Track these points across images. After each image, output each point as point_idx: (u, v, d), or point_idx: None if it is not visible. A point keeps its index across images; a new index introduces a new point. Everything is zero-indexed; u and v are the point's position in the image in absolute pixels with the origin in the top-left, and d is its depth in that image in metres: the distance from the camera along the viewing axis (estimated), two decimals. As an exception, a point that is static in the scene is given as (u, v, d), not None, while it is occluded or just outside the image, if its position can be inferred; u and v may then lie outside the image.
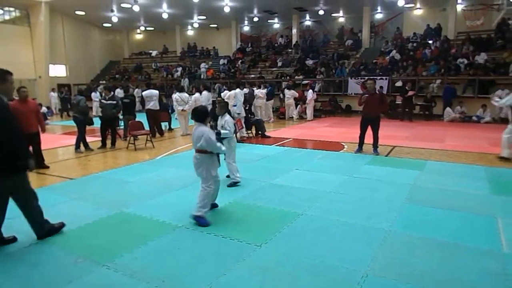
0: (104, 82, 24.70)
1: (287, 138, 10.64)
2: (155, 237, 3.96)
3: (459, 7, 19.07)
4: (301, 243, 3.79)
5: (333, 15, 23.48)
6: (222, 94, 13.12)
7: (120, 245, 3.77)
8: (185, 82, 21.86)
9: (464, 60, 16.04)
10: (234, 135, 5.88)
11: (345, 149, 8.93)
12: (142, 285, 3.05)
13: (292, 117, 15.86)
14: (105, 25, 26.93)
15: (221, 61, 24.47)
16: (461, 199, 5.09)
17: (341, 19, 24.35)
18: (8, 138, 3.50)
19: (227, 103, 6.10)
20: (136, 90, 19.22)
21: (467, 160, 7.52)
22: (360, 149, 8.32)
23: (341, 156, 8.15)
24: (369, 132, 8.18)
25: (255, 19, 23.42)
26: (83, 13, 23.68)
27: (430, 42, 18.94)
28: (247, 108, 12.70)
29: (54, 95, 20.88)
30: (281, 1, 19.85)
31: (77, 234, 4.08)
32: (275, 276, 3.17)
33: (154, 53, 28.64)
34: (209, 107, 10.84)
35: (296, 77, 19.65)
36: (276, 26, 26.73)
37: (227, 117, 5.67)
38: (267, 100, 15.07)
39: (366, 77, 16.99)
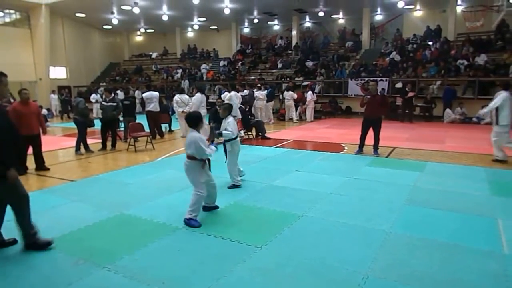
0: (104, 84, 24.75)
1: (287, 140, 10.64)
2: (155, 239, 3.96)
3: (459, 9, 19.08)
4: (302, 244, 3.79)
5: (333, 16, 23.50)
6: (222, 96, 13.14)
7: (120, 247, 3.77)
8: (185, 84, 21.89)
9: (464, 62, 16.05)
10: (238, 138, 5.86)
11: (345, 150, 8.93)
12: (142, 287, 3.05)
13: (292, 119, 15.86)
14: (105, 27, 26.97)
15: (221, 63, 24.50)
16: (461, 200, 5.09)
17: (341, 21, 24.38)
18: None
19: (230, 105, 6.10)
20: (137, 92, 19.28)
21: (467, 161, 7.51)
22: (360, 150, 8.32)
23: (342, 158, 8.15)
24: (370, 133, 8.18)
25: (255, 20, 23.45)
26: (83, 15, 23.72)
27: (430, 43, 18.95)
28: (247, 109, 12.73)
29: (55, 97, 20.91)
30: (281, 3, 19.87)
31: (77, 236, 4.08)
32: (275, 277, 3.17)
33: (154, 55, 28.69)
34: (203, 109, 10.85)
35: (296, 79, 19.67)
36: (276, 27, 26.76)
37: (230, 119, 5.69)
38: (267, 101, 15.09)
39: (366, 79, 17.03)
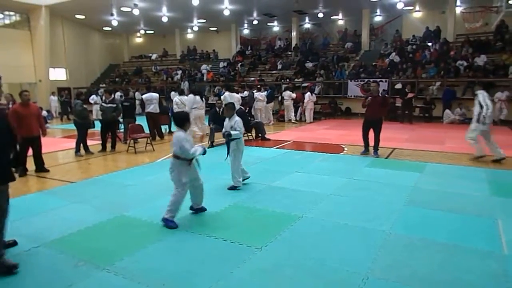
0: (104, 85, 24.76)
1: (287, 141, 10.64)
2: (155, 240, 3.97)
3: (458, 10, 19.12)
4: (302, 245, 3.79)
5: (332, 17, 23.56)
6: (222, 97, 13.15)
7: (120, 248, 3.77)
8: (185, 85, 21.89)
9: (464, 62, 16.07)
10: (242, 137, 5.87)
11: (345, 151, 8.93)
12: (142, 288, 3.05)
13: (290, 120, 15.88)
14: (105, 28, 26.99)
15: (221, 64, 24.53)
16: (461, 200, 5.09)
17: (341, 22, 24.43)
18: None
19: (234, 105, 6.11)
20: (137, 93, 19.28)
21: (467, 162, 7.52)
22: (366, 150, 8.32)
23: (341, 159, 8.15)
24: (370, 134, 8.20)
25: (255, 22, 23.48)
26: (83, 17, 23.74)
27: (430, 44, 18.98)
28: (247, 111, 12.74)
29: (54, 98, 20.90)
30: (281, 4, 19.90)
31: (77, 237, 4.08)
32: (275, 279, 3.17)
33: (154, 56, 28.70)
34: (196, 110, 10.85)
35: (296, 80, 19.69)
36: (276, 29, 26.81)
37: (236, 118, 5.69)
38: (267, 102, 15.10)
39: (366, 80, 17.06)
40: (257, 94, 14.51)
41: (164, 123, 12.39)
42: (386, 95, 9.17)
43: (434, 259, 3.46)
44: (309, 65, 20.81)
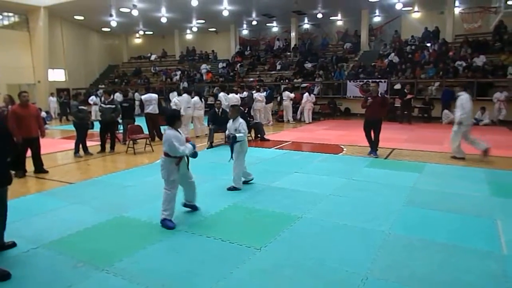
0: (103, 86, 24.74)
1: (286, 141, 10.65)
2: (155, 241, 3.96)
3: (457, 10, 19.15)
4: (301, 246, 3.79)
5: (331, 18, 23.58)
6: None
7: (119, 249, 3.76)
8: (184, 85, 21.88)
9: (462, 63, 16.09)
10: (246, 138, 5.86)
11: (344, 151, 8.93)
12: (141, 289, 3.05)
13: (288, 120, 15.90)
14: (104, 29, 26.98)
15: (220, 65, 24.53)
16: (460, 201, 5.09)
17: (339, 22, 24.46)
18: None
19: (239, 107, 6.11)
20: (136, 94, 19.27)
21: (466, 162, 7.52)
22: (372, 150, 8.30)
23: (341, 159, 8.15)
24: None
25: (254, 22, 23.49)
26: (82, 17, 23.72)
27: (428, 45, 19.01)
28: (246, 111, 12.73)
29: (53, 99, 20.88)
30: (280, 5, 19.91)
31: (77, 238, 4.08)
32: (275, 279, 3.17)
33: (153, 57, 28.70)
34: (189, 110, 10.83)
35: (295, 80, 19.71)
36: (275, 29, 26.83)
37: (240, 120, 5.69)
38: (266, 103, 15.10)
39: (365, 80, 17.07)
40: (256, 95, 14.51)
41: (163, 123, 12.33)
42: (385, 95, 9.17)
43: (434, 259, 3.46)
44: (308, 65, 20.82)
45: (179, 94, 11.98)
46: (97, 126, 9.75)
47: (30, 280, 3.23)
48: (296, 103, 16.31)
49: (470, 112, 7.84)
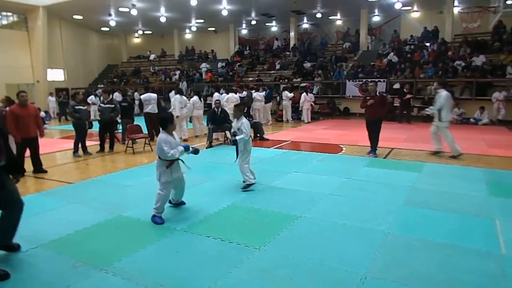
0: (102, 86, 24.72)
1: (286, 141, 10.65)
2: (154, 240, 3.96)
3: (456, 10, 19.17)
4: (300, 245, 3.79)
5: (330, 18, 23.58)
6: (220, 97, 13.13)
7: (118, 249, 3.76)
8: (183, 85, 21.87)
9: (461, 63, 16.10)
10: (250, 138, 5.82)
11: (343, 151, 8.94)
12: (140, 289, 3.05)
13: (287, 120, 15.91)
14: (103, 29, 26.96)
15: (219, 64, 24.52)
16: (459, 200, 5.10)
17: (339, 22, 24.46)
18: None
19: (242, 107, 6.11)
20: (136, 93, 19.26)
21: (464, 161, 7.53)
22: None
23: (340, 158, 8.16)
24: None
25: (253, 22, 23.48)
26: (81, 17, 23.70)
27: (428, 44, 19.02)
28: (245, 111, 12.74)
29: (52, 99, 20.86)
30: (279, 4, 19.91)
31: (75, 238, 4.07)
32: (274, 278, 3.17)
33: (152, 56, 28.68)
34: (183, 110, 10.82)
35: (294, 80, 19.71)
36: (274, 29, 26.82)
37: (243, 119, 5.67)
38: (265, 103, 15.11)
39: (364, 80, 17.08)
40: (255, 94, 14.51)
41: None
42: (384, 94, 9.17)
43: (432, 259, 3.46)
44: (307, 65, 20.82)
45: (182, 94, 11.94)
46: (96, 126, 9.74)
47: (29, 280, 3.23)
48: (296, 102, 16.32)
49: (449, 109, 8.02)
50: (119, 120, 10.65)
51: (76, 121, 8.78)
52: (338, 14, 23.20)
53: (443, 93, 7.97)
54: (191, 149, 4.63)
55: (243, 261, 3.47)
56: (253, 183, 5.70)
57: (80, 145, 9.01)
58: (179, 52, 27.97)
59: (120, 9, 20.44)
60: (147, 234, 4.16)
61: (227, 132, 10.37)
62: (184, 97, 11.66)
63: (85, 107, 9.20)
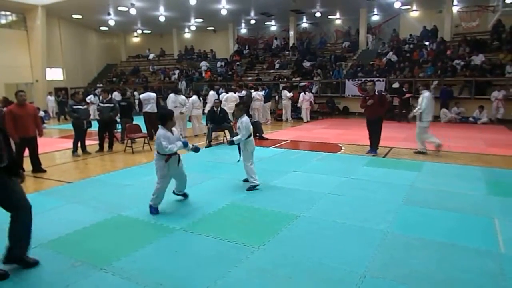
0: (101, 85, 24.67)
1: (285, 140, 10.65)
2: (153, 240, 3.96)
3: (455, 9, 19.17)
4: (299, 244, 3.79)
5: (329, 17, 23.56)
6: (220, 96, 13.14)
7: (117, 249, 3.76)
8: (182, 85, 21.87)
9: (461, 62, 16.11)
10: (252, 138, 5.81)
11: (342, 150, 8.94)
12: (140, 289, 3.04)
13: (287, 119, 15.92)
14: (102, 28, 26.91)
15: (218, 64, 24.50)
16: (458, 199, 5.10)
17: (338, 21, 24.44)
18: None
19: (243, 106, 6.11)
20: (135, 92, 19.25)
21: (464, 161, 7.54)
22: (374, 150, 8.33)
23: (339, 158, 8.16)
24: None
25: (252, 21, 23.45)
26: (80, 16, 23.65)
27: (427, 43, 19.02)
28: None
29: (51, 98, 20.83)
30: (278, 4, 19.89)
31: (75, 238, 4.07)
32: (273, 278, 3.17)
33: (151, 56, 28.64)
34: (177, 109, 10.81)
35: (294, 79, 19.70)
36: (273, 28, 26.80)
37: (243, 119, 5.65)
38: (265, 102, 15.11)
39: (363, 79, 17.07)
40: (254, 94, 14.51)
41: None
42: (384, 93, 9.19)
43: (432, 258, 3.46)
44: (306, 64, 20.82)
45: (177, 93, 11.92)
46: (95, 125, 9.73)
47: (28, 279, 3.22)
48: (295, 102, 16.32)
49: (430, 110, 8.18)
50: (118, 120, 10.64)
51: (74, 120, 8.76)
52: (337, 14, 23.18)
53: (426, 94, 8.14)
54: (190, 146, 4.86)
55: (242, 260, 3.47)
56: (257, 184, 5.66)
57: (79, 145, 9.00)
58: (178, 51, 27.93)
59: (119, 8, 20.39)
60: (147, 233, 4.16)
61: (227, 132, 10.38)
62: (182, 96, 11.66)
63: (84, 107, 9.19)
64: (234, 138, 5.59)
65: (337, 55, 20.99)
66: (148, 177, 6.60)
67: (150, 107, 11.14)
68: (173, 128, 4.82)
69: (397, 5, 18.34)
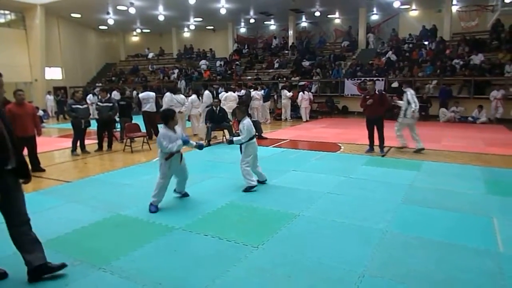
0: (100, 84, 24.64)
1: (284, 139, 10.65)
2: (152, 239, 3.95)
3: (454, 8, 19.18)
4: (298, 244, 3.79)
5: (329, 16, 23.56)
6: (219, 95, 13.13)
7: (116, 248, 3.75)
8: (181, 84, 21.85)
9: (460, 61, 16.13)
10: (255, 140, 5.74)
11: (342, 150, 8.94)
12: (138, 288, 3.04)
13: (286, 119, 15.92)
14: (101, 27, 26.87)
15: (218, 63, 24.49)
16: (457, 199, 5.11)
17: (337, 21, 24.44)
18: None
19: (243, 107, 6.12)
20: (134, 92, 19.24)
21: (463, 160, 7.55)
22: (371, 149, 8.36)
23: (338, 157, 8.16)
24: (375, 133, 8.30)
25: (252, 20, 23.46)
26: (79, 15, 23.61)
27: (426, 43, 19.03)
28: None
29: (50, 98, 20.82)
30: (277, 3, 19.88)
31: (74, 237, 4.07)
32: (272, 277, 3.17)
33: (150, 55, 28.62)
34: (174, 109, 10.81)
35: (293, 79, 19.70)
36: (273, 27, 26.78)
37: (244, 121, 5.62)
38: (264, 101, 15.10)
39: (363, 78, 17.09)
40: (254, 93, 14.50)
41: (161, 122, 12.29)
42: (383, 93, 9.21)
43: (430, 257, 3.47)
44: (305, 63, 20.82)
45: (174, 93, 11.91)
46: (94, 125, 9.71)
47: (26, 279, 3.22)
48: (295, 101, 16.33)
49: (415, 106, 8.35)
50: (117, 119, 10.63)
51: (73, 119, 8.75)
52: (337, 13, 23.18)
53: (409, 92, 8.30)
54: (192, 143, 4.95)
55: (241, 259, 3.47)
56: (254, 185, 5.60)
57: (78, 144, 8.99)
58: (177, 50, 27.91)
59: (118, 7, 20.37)
60: (145, 233, 4.15)
61: (226, 131, 10.37)
62: (181, 96, 11.64)
63: (84, 106, 9.13)
64: (234, 139, 5.59)
65: (336, 55, 21.00)
66: (147, 176, 6.61)
67: (149, 106, 11.14)
68: (176, 127, 4.91)
69: (396, 4, 18.35)
